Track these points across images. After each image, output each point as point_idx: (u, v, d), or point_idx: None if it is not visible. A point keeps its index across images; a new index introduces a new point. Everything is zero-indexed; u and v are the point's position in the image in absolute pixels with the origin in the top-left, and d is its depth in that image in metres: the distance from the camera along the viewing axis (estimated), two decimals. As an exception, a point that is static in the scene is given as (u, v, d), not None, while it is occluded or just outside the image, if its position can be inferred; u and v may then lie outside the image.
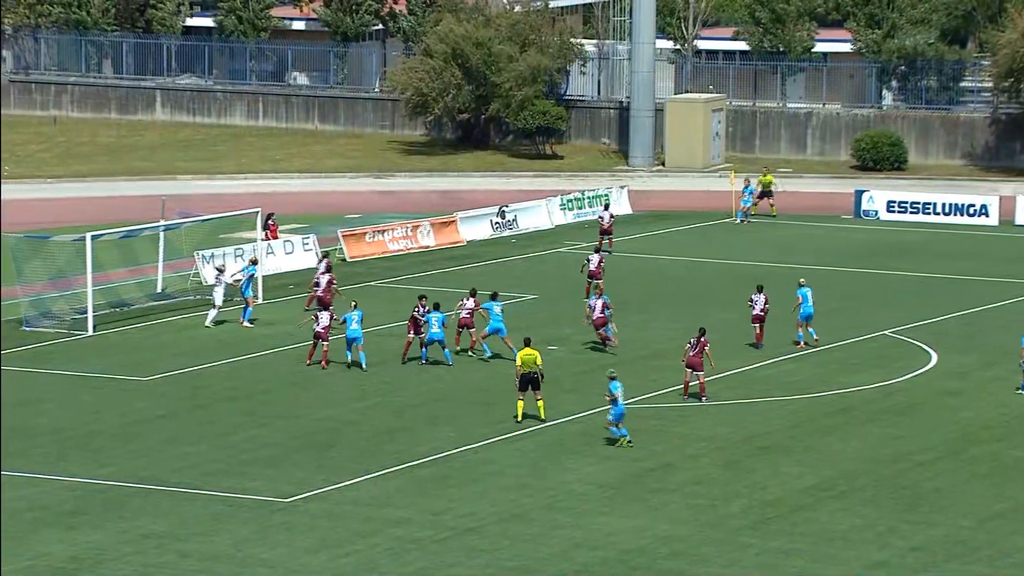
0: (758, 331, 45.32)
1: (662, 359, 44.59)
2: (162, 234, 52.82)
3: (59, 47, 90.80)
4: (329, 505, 33.58)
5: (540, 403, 38.37)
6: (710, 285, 54.85)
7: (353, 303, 44.34)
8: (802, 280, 46.32)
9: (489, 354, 44.12)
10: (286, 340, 46.71)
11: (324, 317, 43.93)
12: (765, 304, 45.02)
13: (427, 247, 60.71)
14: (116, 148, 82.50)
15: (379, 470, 35.66)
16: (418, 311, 44.00)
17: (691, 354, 40.52)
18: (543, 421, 38.25)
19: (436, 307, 43.62)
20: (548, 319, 49.06)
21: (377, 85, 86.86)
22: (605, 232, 59.21)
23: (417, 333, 44.01)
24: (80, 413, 40.00)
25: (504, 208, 64.66)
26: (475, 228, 63.12)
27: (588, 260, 51.34)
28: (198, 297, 51.46)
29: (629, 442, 37.08)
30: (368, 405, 40.65)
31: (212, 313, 48.40)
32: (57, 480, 34.95)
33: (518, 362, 38.41)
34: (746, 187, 66.70)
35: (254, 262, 50.30)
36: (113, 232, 51.67)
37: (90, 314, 47.83)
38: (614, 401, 37.12)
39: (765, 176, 67.74)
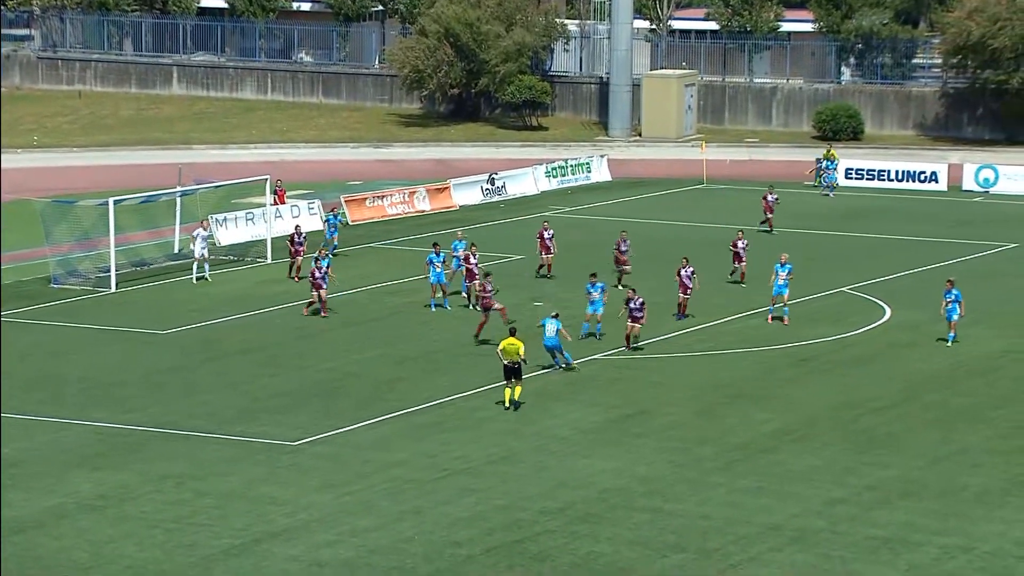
0: (682, 300, 43.14)
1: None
2: (179, 199, 52.65)
3: (83, 27, 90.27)
4: (333, 448, 33.55)
5: (518, 389, 35.67)
6: (683, 245, 54.70)
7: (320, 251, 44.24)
8: (784, 256, 44.27)
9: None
10: (292, 297, 46.58)
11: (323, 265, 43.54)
12: (692, 274, 43.26)
13: (423, 211, 60.56)
14: (136, 120, 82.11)
15: (379, 416, 35.62)
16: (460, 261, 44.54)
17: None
18: (515, 406, 35.52)
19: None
20: (534, 278, 48.97)
21: (376, 62, 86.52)
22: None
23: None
24: (104, 364, 39.91)
25: (494, 175, 64.49)
26: (467, 194, 62.98)
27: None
28: (212, 257, 51.30)
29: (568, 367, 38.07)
30: (370, 357, 40.58)
31: (195, 267, 48.13)
32: (84, 425, 34.89)
33: (500, 349, 35.75)
34: (830, 162, 64.57)
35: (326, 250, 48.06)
36: (134, 197, 51.48)
37: (113, 273, 47.68)
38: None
39: (829, 152, 66.83)
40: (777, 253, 45.45)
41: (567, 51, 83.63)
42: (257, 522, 29.37)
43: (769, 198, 56.95)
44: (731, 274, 48.02)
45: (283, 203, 57.09)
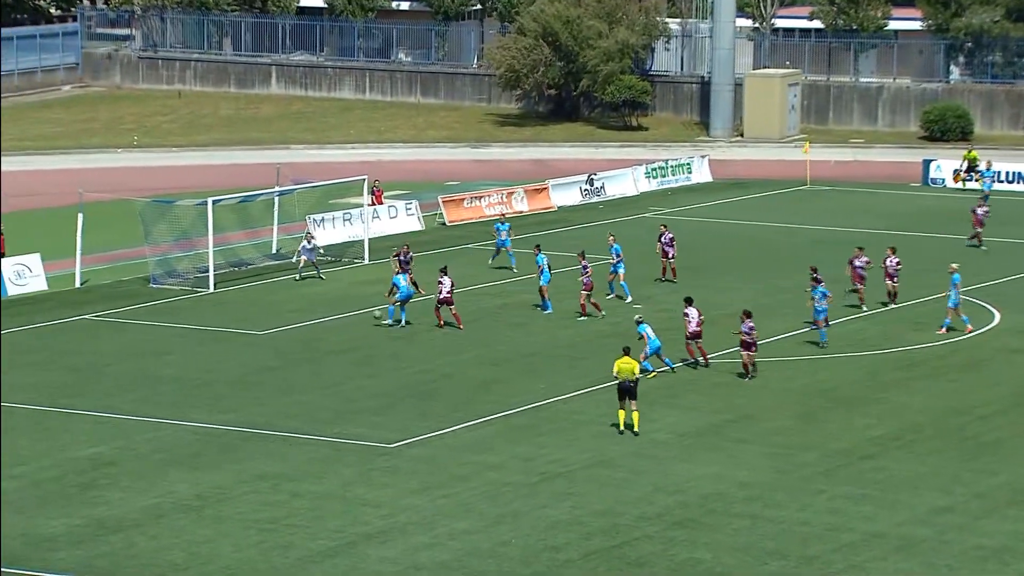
0: (693, 347, 39.07)
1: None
2: (277, 199, 53.12)
3: (183, 26, 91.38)
4: (430, 450, 33.68)
5: (635, 414, 34.37)
6: (786, 248, 54.40)
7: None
8: (954, 266, 42.85)
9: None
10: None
11: (446, 283, 42.84)
12: (700, 318, 38.99)
13: (520, 212, 60.62)
14: (235, 120, 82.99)
15: (475, 418, 35.70)
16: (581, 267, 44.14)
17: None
18: (635, 433, 34.29)
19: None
20: (633, 279, 48.86)
21: (475, 62, 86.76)
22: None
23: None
24: (201, 364, 40.35)
25: (593, 176, 64.43)
26: (565, 194, 62.97)
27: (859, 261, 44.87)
28: (322, 257, 51.79)
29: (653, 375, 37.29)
30: (466, 358, 40.69)
31: (299, 268, 48.33)
32: (180, 425, 35.31)
33: (615, 370, 34.41)
34: (986, 170, 62.48)
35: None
36: (232, 197, 51.99)
37: (211, 273, 48.20)
38: (650, 339, 37.68)
39: (970, 153, 65.96)
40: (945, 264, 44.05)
41: (668, 50, 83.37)
42: (353, 524, 29.55)
43: (979, 211, 54.03)
44: (847, 291, 44.78)
45: (380, 203, 57.45)
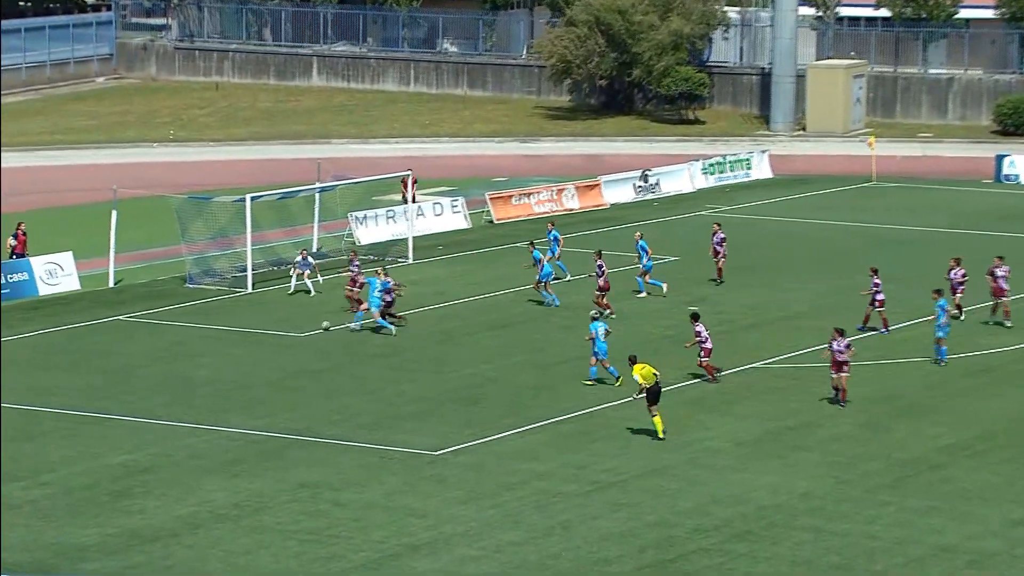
0: (707, 364, 38.53)
1: (800, 320, 44.18)
2: (317, 196, 53.33)
3: (221, 15, 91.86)
4: (476, 458, 33.73)
5: (656, 419, 34.55)
6: (849, 248, 54.19)
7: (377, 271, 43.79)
8: None
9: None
10: (432, 299, 46.95)
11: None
12: (706, 334, 38.30)
13: (571, 210, 60.64)
14: (274, 112, 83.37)
15: (524, 425, 35.75)
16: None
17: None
18: (660, 438, 34.46)
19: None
20: (689, 280, 48.79)
21: (524, 53, 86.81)
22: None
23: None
24: (239, 366, 40.56)
25: (647, 172, 64.37)
26: (618, 191, 62.94)
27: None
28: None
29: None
30: (513, 362, 40.73)
31: (292, 281, 47.48)
32: (217, 430, 35.49)
33: (640, 380, 34.39)
34: None
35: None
36: (271, 194, 52.20)
37: (249, 272, 48.43)
38: (594, 340, 37.32)
39: None
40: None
41: (726, 40, 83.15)
42: (397, 535, 29.63)
43: None
44: (959, 309, 43.56)
45: (407, 192, 56.96)
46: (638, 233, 48.36)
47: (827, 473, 32.76)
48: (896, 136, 76.32)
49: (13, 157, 71.58)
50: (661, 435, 34.55)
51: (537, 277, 45.85)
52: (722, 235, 48.34)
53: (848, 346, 36.53)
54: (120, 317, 45.29)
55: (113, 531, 29.75)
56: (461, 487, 31.96)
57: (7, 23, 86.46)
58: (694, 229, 56.42)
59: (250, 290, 48.07)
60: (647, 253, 47.00)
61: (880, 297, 42.58)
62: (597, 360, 38.12)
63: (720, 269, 48.26)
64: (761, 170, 67.70)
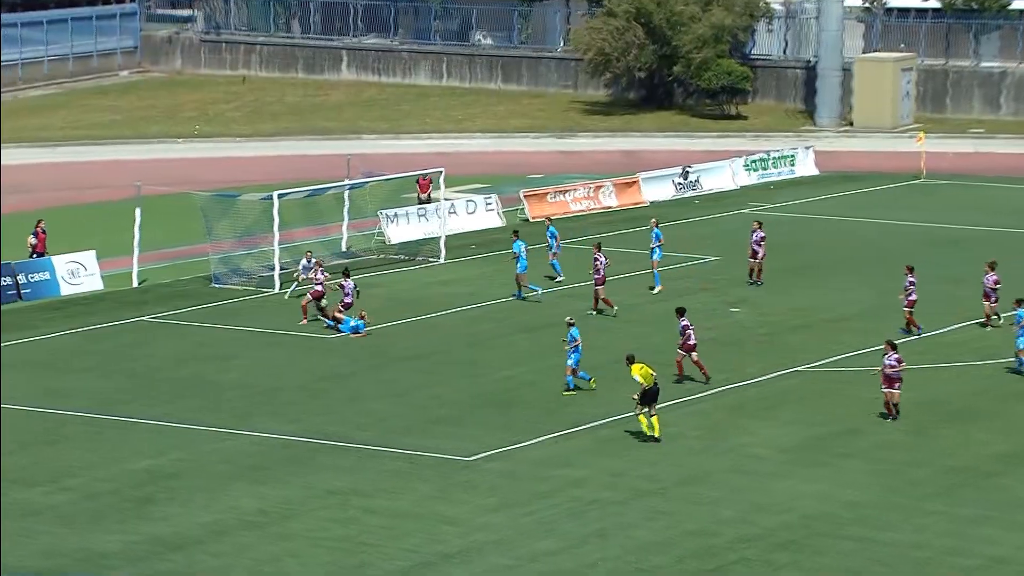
0: (688, 361, 38.60)
1: (846, 322, 44.07)
2: (347, 193, 53.41)
3: (248, 7, 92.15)
4: (510, 464, 33.75)
5: (655, 419, 34.77)
6: (897, 248, 54.00)
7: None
8: None
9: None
10: (464, 300, 46.99)
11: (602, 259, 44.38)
12: (691, 330, 38.27)
13: (609, 207, 60.62)
14: (302, 107, 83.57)
15: (559, 430, 35.74)
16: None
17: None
18: (657, 440, 34.71)
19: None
20: (730, 281, 48.71)
21: (560, 45, 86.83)
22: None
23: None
24: (266, 369, 40.67)
25: (687, 168, 64.29)
26: (658, 188, 62.87)
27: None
28: (382, 256, 52.05)
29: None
30: (548, 365, 40.72)
31: (293, 285, 47.29)
32: (244, 435, 35.59)
33: (640, 379, 34.62)
34: None
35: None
36: (299, 191, 52.32)
37: (276, 272, 48.55)
38: (576, 348, 37.32)
39: None
40: None
41: (770, 32, 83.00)
42: (428, 543, 29.68)
43: None
44: (988, 319, 43.20)
45: (425, 193, 57.12)
46: (653, 219, 48.38)
47: (874, 481, 32.67)
48: (946, 132, 76.04)
49: (35, 153, 71.99)
50: (656, 435, 34.54)
51: (517, 270, 46.24)
52: (761, 233, 48.22)
53: (899, 360, 36.07)
54: (144, 318, 45.49)
55: (137, 538, 29.88)
56: (494, 494, 31.99)
57: (29, 15, 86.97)
58: (736, 228, 56.30)
59: (277, 290, 48.20)
60: (659, 241, 47.18)
61: (912, 297, 42.37)
62: (571, 369, 38.01)
63: (760, 269, 48.14)
64: (806, 167, 67.54)
